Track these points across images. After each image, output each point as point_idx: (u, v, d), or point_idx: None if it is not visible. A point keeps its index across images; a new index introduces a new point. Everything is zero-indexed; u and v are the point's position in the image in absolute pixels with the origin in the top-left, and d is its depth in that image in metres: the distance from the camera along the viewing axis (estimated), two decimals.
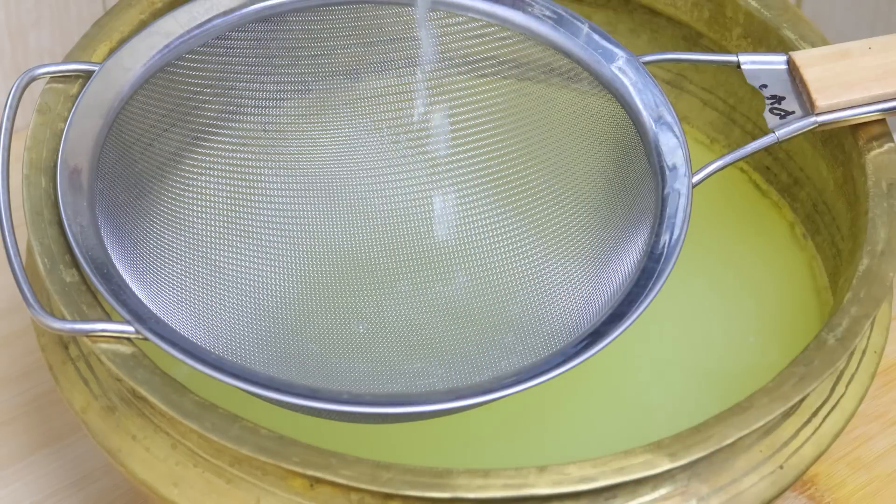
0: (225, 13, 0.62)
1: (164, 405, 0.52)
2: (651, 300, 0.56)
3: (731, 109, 0.71)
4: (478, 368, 0.59)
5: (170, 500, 0.53)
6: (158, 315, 0.54)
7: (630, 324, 0.55)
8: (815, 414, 0.55)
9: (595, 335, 0.55)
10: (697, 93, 0.71)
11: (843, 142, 0.63)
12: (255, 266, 0.62)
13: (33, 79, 0.60)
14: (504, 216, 0.64)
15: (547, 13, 0.64)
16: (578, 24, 0.63)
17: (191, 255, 0.61)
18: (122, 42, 0.62)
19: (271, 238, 0.63)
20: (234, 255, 0.62)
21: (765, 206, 0.70)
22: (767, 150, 0.68)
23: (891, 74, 0.61)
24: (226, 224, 0.63)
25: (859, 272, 0.57)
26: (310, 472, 0.51)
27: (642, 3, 0.71)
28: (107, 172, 0.58)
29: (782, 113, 0.61)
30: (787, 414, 0.55)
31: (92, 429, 0.55)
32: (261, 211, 0.64)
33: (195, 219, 0.62)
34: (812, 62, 0.62)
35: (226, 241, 0.62)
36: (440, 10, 0.64)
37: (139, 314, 0.54)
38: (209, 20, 0.62)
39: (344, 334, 0.61)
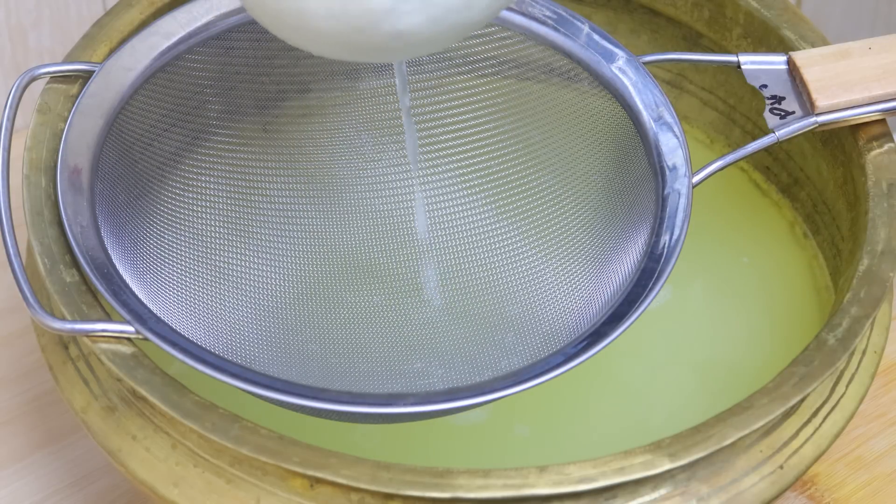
0: (225, 13, 0.62)
1: (164, 405, 0.52)
2: (651, 300, 0.56)
3: (731, 109, 0.71)
4: (478, 368, 0.59)
5: (170, 500, 0.53)
6: (158, 315, 0.54)
7: (630, 324, 0.55)
8: (815, 414, 0.55)
9: (595, 335, 0.55)
10: (697, 93, 0.71)
11: (843, 142, 0.63)
12: (255, 266, 0.62)
13: (33, 79, 0.60)
14: (504, 216, 0.64)
15: (547, 13, 0.64)
16: (578, 24, 0.63)
17: (191, 255, 0.61)
18: (122, 42, 0.62)
19: (271, 238, 0.63)
20: (235, 255, 0.62)
21: (765, 205, 0.70)
22: (767, 149, 0.68)
23: (891, 74, 0.61)
24: (226, 224, 0.63)
25: (859, 272, 0.57)
26: (310, 472, 0.51)
27: (642, 3, 0.71)
28: (107, 172, 0.58)
29: (782, 113, 0.61)
30: (787, 414, 0.55)
31: (92, 429, 0.55)
32: (261, 211, 0.64)
33: (195, 219, 0.62)
34: (812, 62, 0.62)
35: (226, 241, 0.62)
36: None
37: (139, 314, 0.54)
38: (209, 20, 0.62)
39: (344, 334, 0.61)
